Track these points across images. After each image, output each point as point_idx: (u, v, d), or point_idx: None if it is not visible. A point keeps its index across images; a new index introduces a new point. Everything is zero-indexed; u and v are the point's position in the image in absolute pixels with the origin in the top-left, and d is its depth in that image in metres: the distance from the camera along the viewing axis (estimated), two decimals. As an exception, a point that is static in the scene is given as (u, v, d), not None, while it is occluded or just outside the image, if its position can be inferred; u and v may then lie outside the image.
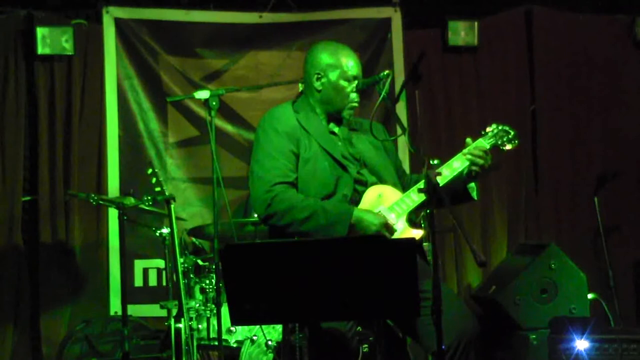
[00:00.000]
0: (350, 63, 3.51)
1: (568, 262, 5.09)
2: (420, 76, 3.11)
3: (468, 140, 3.47)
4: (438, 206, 3.13)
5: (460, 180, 3.46)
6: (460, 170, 3.42)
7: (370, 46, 6.16)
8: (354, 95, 3.52)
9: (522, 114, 6.38)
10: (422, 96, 6.06)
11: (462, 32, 6.21)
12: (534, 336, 4.85)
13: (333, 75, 3.51)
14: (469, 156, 3.41)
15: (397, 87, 5.74)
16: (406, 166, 5.96)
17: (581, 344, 4.56)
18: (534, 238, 6.23)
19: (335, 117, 3.56)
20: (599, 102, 6.47)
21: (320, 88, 3.54)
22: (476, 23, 6.22)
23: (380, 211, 3.36)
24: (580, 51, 6.44)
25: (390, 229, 3.29)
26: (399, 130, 3.32)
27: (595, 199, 6.03)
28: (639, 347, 4.56)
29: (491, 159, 3.45)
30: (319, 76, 3.54)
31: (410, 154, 5.82)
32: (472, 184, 3.50)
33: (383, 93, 3.31)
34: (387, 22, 6.21)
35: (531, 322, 4.93)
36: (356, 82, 3.52)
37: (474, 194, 3.50)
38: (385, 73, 3.36)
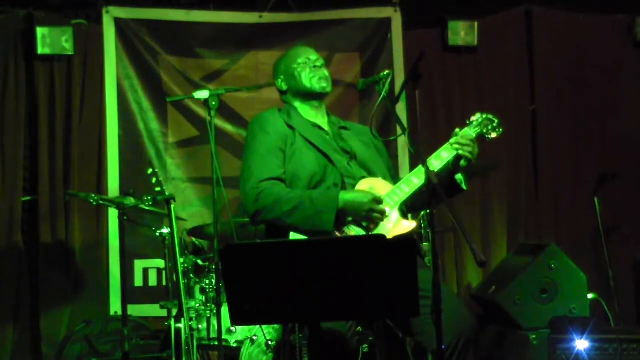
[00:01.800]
0: (295, 53, 3.66)
1: (568, 262, 5.09)
2: (420, 76, 3.10)
3: (457, 130, 3.48)
4: (436, 203, 3.14)
5: (447, 171, 3.47)
6: (448, 160, 3.44)
7: (370, 46, 6.16)
8: (313, 71, 3.59)
9: (522, 114, 6.39)
10: (422, 96, 6.04)
11: (462, 32, 6.21)
12: (534, 336, 4.84)
13: (286, 69, 3.66)
14: (456, 145, 3.41)
15: (397, 87, 5.73)
16: (406, 166, 5.97)
17: (581, 344, 4.56)
18: (534, 238, 6.23)
19: (315, 99, 3.62)
20: (599, 102, 6.47)
21: (285, 87, 3.68)
22: (476, 23, 6.22)
23: (372, 193, 3.38)
24: (580, 51, 6.44)
25: (379, 200, 3.30)
26: (399, 130, 3.32)
27: (595, 199, 6.02)
28: (639, 347, 4.56)
29: (478, 147, 3.44)
30: (280, 79, 3.69)
31: (410, 154, 5.82)
32: (460, 176, 3.49)
33: (383, 93, 3.32)
34: (387, 22, 6.21)
35: (531, 322, 4.93)
36: (312, 61, 3.61)
37: (464, 185, 3.50)
38: (385, 73, 3.37)
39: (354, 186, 3.43)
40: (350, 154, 3.55)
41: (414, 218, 3.49)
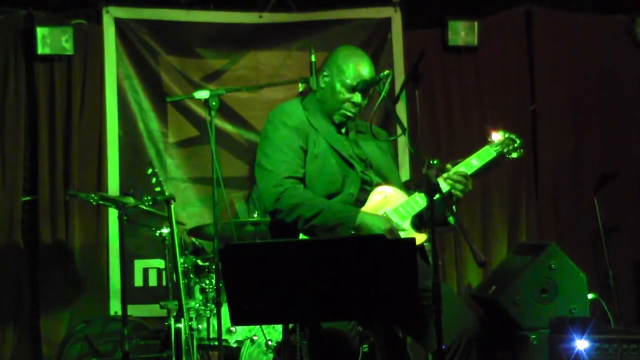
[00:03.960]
0: (354, 73, 3.47)
1: (568, 262, 5.09)
2: (420, 76, 3.10)
3: (448, 166, 3.42)
4: (442, 224, 3.13)
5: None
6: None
7: (370, 46, 6.14)
8: (348, 105, 3.49)
9: (522, 114, 6.38)
10: (422, 96, 6.05)
11: (462, 32, 6.21)
12: (534, 336, 4.85)
13: (335, 78, 3.51)
14: (449, 181, 3.34)
15: (397, 87, 5.74)
16: (406, 166, 5.98)
17: (581, 344, 4.56)
18: (534, 238, 6.23)
19: (329, 116, 3.55)
20: (599, 102, 6.47)
21: (322, 86, 3.56)
22: (476, 23, 6.21)
23: (385, 212, 3.37)
24: (580, 51, 6.43)
25: (395, 233, 3.29)
26: (399, 130, 3.31)
27: (595, 199, 6.03)
28: (639, 347, 4.57)
29: (472, 185, 3.37)
30: (325, 75, 3.55)
31: (410, 154, 5.82)
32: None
33: (383, 93, 3.31)
34: (387, 22, 6.21)
35: (531, 322, 4.93)
36: (356, 94, 3.47)
37: (450, 218, 3.40)
38: (385, 73, 3.35)
39: (369, 192, 3.43)
40: (365, 162, 3.52)
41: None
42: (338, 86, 3.49)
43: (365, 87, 3.48)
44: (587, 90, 6.45)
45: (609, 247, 6.02)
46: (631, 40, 6.45)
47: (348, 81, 3.47)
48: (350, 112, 3.50)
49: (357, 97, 3.48)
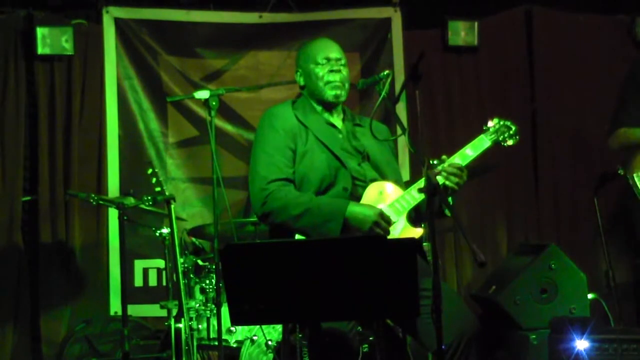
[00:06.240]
0: (316, 48, 3.55)
1: (568, 262, 5.09)
2: (420, 76, 3.09)
3: (444, 157, 3.41)
4: (439, 216, 3.13)
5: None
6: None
7: (370, 46, 6.16)
8: (329, 75, 3.51)
9: (522, 114, 6.38)
10: (422, 96, 6.04)
11: (462, 32, 6.21)
12: (534, 336, 4.85)
13: (305, 65, 3.57)
14: (443, 173, 3.32)
15: (397, 87, 5.73)
16: (406, 166, 5.97)
17: (581, 344, 4.56)
18: (534, 238, 6.23)
19: (329, 106, 3.56)
20: (599, 102, 6.46)
21: (302, 83, 3.60)
22: (476, 23, 6.22)
23: (381, 208, 3.36)
24: (580, 51, 6.43)
25: (386, 218, 3.27)
26: (399, 130, 3.31)
27: (595, 199, 6.02)
28: (639, 347, 4.56)
29: (467, 175, 3.36)
30: (299, 73, 3.61)
31: (410, 154, 5.83)
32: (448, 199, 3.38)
33: (383, 93, 3.30)
34: (387, 22, 6.22)
35: (531, 322, 4.93)
36: (330, 62, 3.51)
37: (446, 211, 3.36)
38: (385, 73, 3.35)
39: (364, 189, 3.41)
40: (362, 154, 3.51)
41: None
42: (312, 67, 3.53)
43: (364, 87, 3.48)
44: (587, 90, 6.45)
45: (609, 247, 6.01)
46: (631, 40, 6.45)
47: (317, 57, 3.53)
48: (334, 81, 3.50)
49: (332, 64, 3.51)
